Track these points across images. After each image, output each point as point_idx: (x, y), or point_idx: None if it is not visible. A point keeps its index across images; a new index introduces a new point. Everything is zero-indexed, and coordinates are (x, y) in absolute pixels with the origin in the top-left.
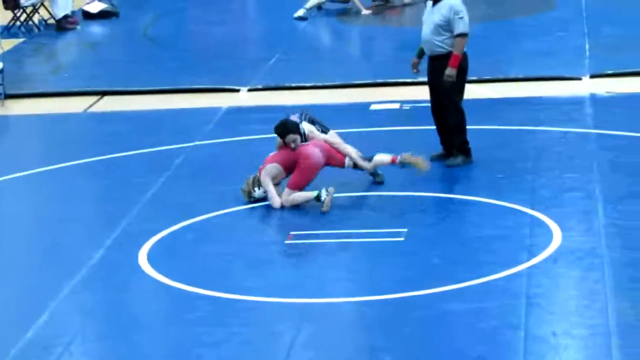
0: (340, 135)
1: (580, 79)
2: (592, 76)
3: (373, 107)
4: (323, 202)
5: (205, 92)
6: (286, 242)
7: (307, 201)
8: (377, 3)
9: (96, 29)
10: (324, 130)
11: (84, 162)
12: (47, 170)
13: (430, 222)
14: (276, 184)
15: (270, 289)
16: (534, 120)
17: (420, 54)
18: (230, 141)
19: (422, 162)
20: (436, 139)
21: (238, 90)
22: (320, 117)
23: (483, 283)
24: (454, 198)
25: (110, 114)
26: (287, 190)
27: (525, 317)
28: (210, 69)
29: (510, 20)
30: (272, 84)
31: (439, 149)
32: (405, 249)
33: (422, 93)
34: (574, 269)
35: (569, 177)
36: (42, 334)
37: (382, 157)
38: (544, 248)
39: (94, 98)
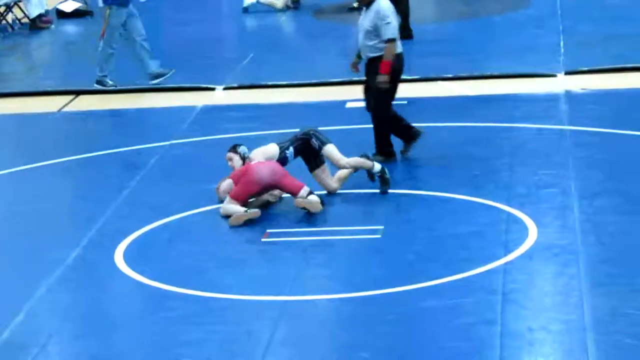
0: None
1: (555, 75)
2: (567, 73)
3: (349, 105)
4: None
5: (181, 90)
6: (262, 240)
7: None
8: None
9: (70, 28)
10: (320, 145)
11: (59, 162)
12: (21, 170)
13: (407, 220)
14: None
15: (247, 287)
16: (509, 117)
17: (360, 54)
18: (206, 140)
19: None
20: (423, 136)
21: (213, 89)
22: (297, 115)
23: (459, 279)
24: (430, 195)
25: (85, 113)
26: (227, 198)
27: (502, 313)
28: (185, 68)
29: (485, 18)
30: (248, 83)
31: (430, 145)
32: (382, 246)
33: (399, 91)
34: (549, 265)
35: (544, 174)
36: (17, 334)
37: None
38: (519, 244)
39: (68, 97)
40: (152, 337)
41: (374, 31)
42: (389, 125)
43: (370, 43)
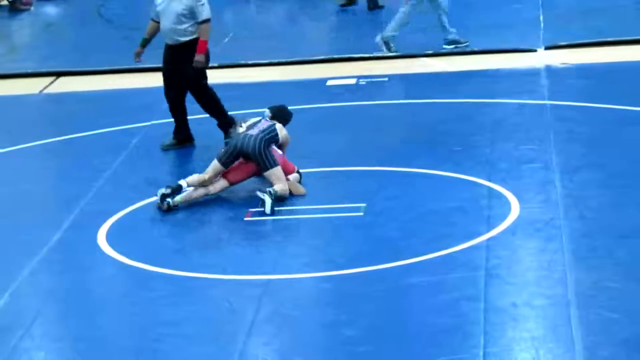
0: (298, 111)
1: (535, 50)
2: (547, 48)
3: (329, 82)
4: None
5: (161, 70)
6: (245, 219)
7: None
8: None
9: (50, 9)
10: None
11: (40, 144)
12: (3, 152)
13: (389, 196)
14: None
15: (229, 266)
16: (490, 93)
17: (145, 43)
18: (188, 119)
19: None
20: (404, 112)
21: None
22: (278, 93)
23: (442, 256)
24: (411, 172)
25: (66, 94)
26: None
27: (485, 288)
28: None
29: None
30: (228, 62)
31: (411, 122)
32: (364, 223)
33: (379, 68)
34: (532, 240)
35: (525, 149)
36: (2, 317)
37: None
38: (502, 220)
39: (49, 79)
40: (135, 317)
41: (189, 14)
42: (219, 103)
43: (182, 27)
